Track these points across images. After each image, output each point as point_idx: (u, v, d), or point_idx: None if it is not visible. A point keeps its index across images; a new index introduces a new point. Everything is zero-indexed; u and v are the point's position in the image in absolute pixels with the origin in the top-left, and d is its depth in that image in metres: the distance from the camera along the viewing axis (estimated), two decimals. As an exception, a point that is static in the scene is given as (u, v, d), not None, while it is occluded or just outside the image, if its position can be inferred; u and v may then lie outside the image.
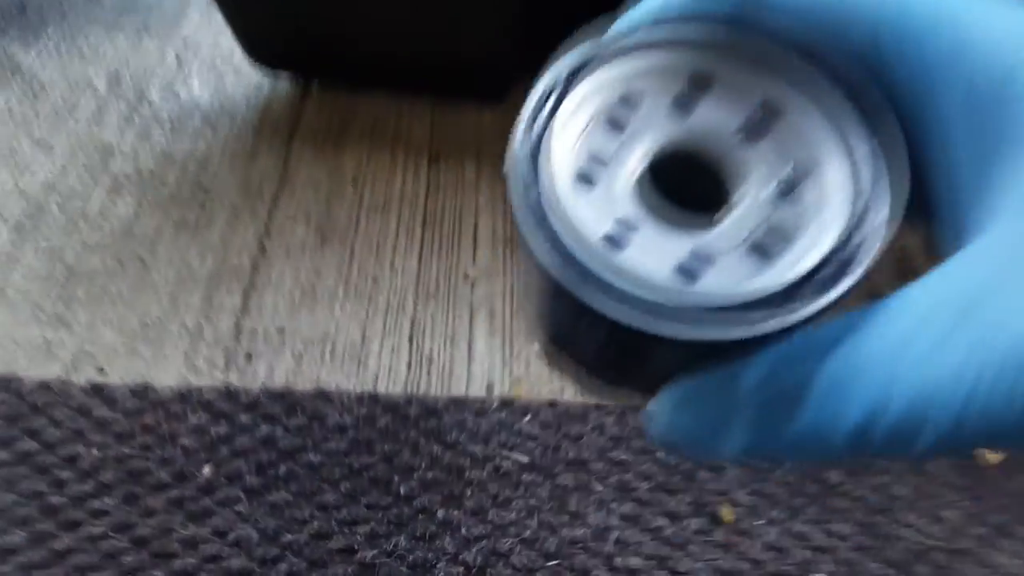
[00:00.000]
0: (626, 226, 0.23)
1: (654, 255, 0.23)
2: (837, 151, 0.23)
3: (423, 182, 0.72)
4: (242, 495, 0.53)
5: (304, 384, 0.57)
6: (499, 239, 0.68)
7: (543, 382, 0.58)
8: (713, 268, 0.22)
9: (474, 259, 0.66)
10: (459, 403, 0.56)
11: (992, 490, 0.56)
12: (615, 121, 0.24)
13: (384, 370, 0.58)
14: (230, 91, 0.78)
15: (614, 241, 0.23)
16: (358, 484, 0.54)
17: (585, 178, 0.24)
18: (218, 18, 0.83)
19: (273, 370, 0.58)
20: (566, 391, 0.58)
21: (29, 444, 0.55)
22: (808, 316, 0.20)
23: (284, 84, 0.79)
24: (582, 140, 0.24)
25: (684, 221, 0.23)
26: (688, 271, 0.22)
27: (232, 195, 0.69)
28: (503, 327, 0.62)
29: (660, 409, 0.21)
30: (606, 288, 0.21)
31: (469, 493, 0.54)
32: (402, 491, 0.54)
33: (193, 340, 0.59)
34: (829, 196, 0.23)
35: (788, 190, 0.23)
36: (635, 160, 0.23)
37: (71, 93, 0.77)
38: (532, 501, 0.54)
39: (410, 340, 0.60)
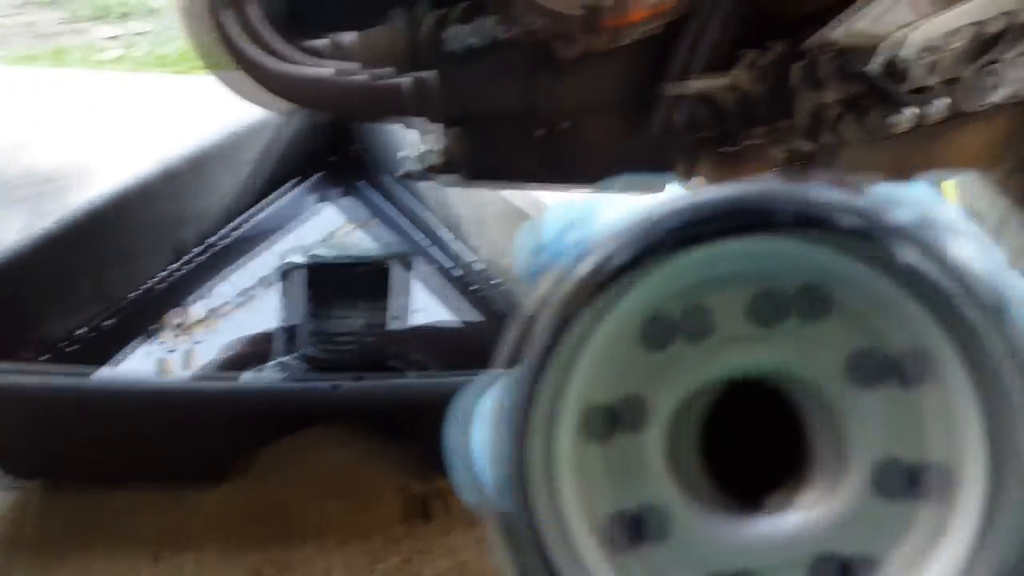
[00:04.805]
0: (650, 508, 0.19)
1: (680, 564, 0.19)
2: (982, 450, 0.18)
3: (147, 581, 0.83)
4: None
5: None
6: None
7: None
8: None
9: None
10: None
11: None
12: (654, 343, 0.20)
13: None
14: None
15: (630, 533, 0.19)
16: None
17: (601, 435, 0.20)
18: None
19: None
20: None
21: None
22: None
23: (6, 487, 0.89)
24: (601, 377, 0.20)
25: (736, 501, 0.20)
26: None
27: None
28: None
29: None
30: None
31: None
32: None
33: None
34: (954, 524, 0.19)
35: (897, 485, 0.19)
36: (683, 389, 0.20)
37: None
38: None
39: None
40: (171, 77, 2.26)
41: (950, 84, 0.90)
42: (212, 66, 0.90)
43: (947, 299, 0.18)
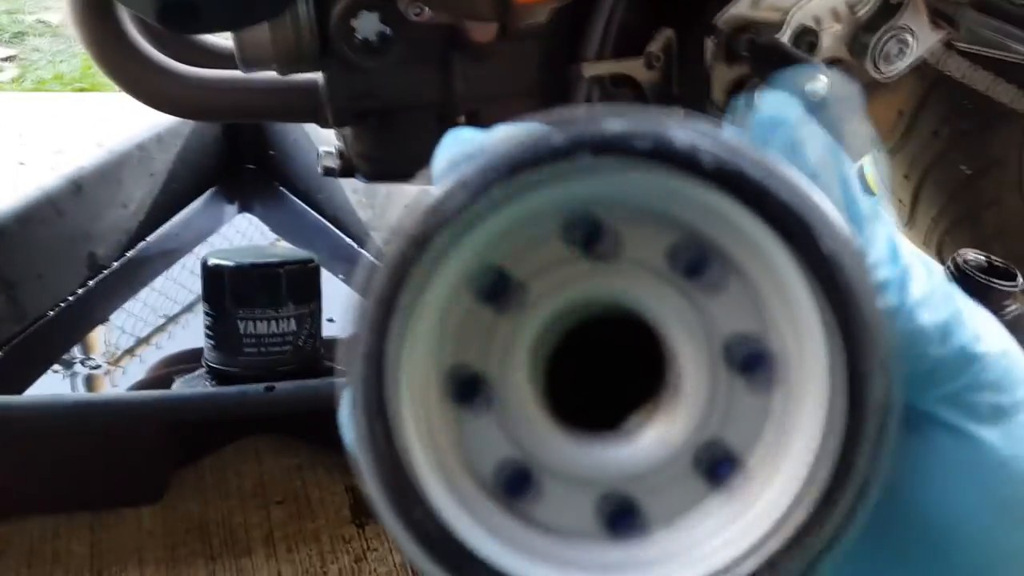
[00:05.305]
0: (527, 455, 0.20)
1: (570, 497, 0.20)
2: (822, 343, 0.19)
3: (86, 606, 0.80)
4: None
5: None
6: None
7: None
8: (651, 505, 0.20)
9: None
10: None
11: None
12: (491, 294, 0.21)
13: None
14: None
15: (513, 484, 0.20)
16: None
17: (461, 391, 0.20)
18: None
19: None
20: None
21: None
22: None
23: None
24: (448, 334, 0.20)
25: (606, 424, 0.21)
26: (617, 513, 0.20)
27: None
28: None
29: None
30: None
31: None
32: None
33: None
34: (800, 387, 0.20)
35: (745, 366, 0.20)
36: (530, 335, 0.21)
37: None
38: None
39: None
40: (71, 95, 2.20)
41: (859, 53, 0.93)
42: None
43: (763, 198, 0.19)
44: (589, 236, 0.21)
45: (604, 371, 0.22)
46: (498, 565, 0.19)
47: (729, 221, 0.20)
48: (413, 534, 0.19)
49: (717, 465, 0.20)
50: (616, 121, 0.19)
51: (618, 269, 0.21)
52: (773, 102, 0.24)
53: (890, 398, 0.19)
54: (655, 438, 0.21)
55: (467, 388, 0.20)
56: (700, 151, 0.19)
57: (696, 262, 0.20)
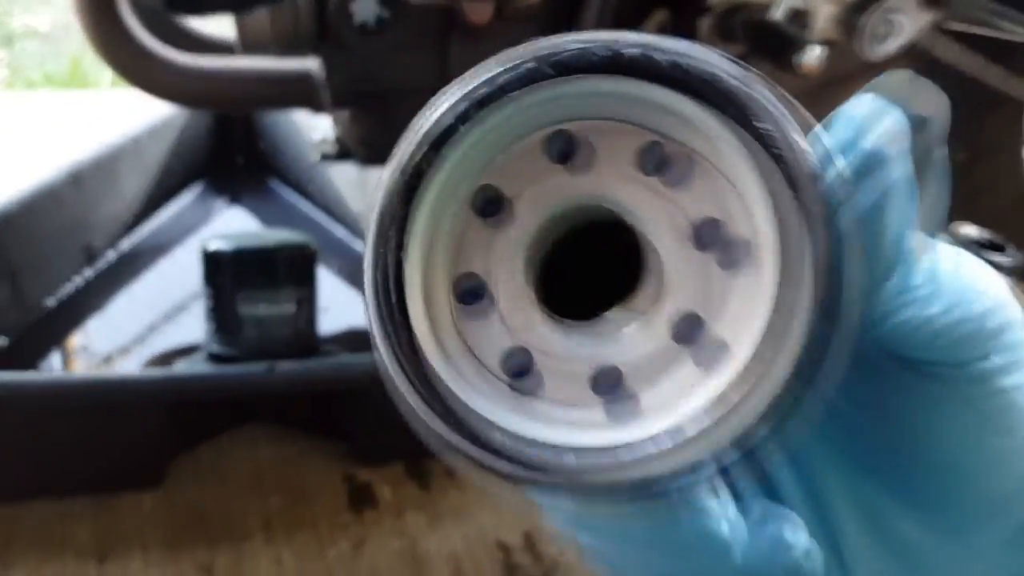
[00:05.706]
0: (527, 344, 0.23)
1: (566, 373, 0.23)
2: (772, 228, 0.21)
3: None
4: None
5: None
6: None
7: None
8: (636, 374, 0.23)
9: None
10: None
11: None
12: (487, 210, 0.23)
13: None
14: None
15: (516, 369, 0.23)
16: None
17: (469, 295, 0.23)
18: None
19: None
20: None
21: None
22: None
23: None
24: (453, 246, 0.23)
25: (601, 315, 0.23)
26: (606, 382, 0.23)
27: None
28: None
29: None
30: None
31: None
32: None
33: None
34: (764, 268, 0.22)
35: (713, 247, 0.22)
36: (525, 242, 0.23)
37: None
38: None
39: None
40: (60, 93, 2.20)
41: (851, 34, 0.94)
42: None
43: (717, 93, 0.21)
44: (567, 149, 0.23)
45: (594, 270, 0.25)
46: (508, 426, 0.22)
47: (686, 118, 0.22)
48: (436, 412, 0.22)
49: (692, 336, 0.23)
50: (575, 42, 0.22)
51: (595, 175, 0.23)
52: (865, 102, 0.24)
53: (845, 279, 0.21)
54: (638, 317, 0.23)
55: (472, 292, 0.23)
56: (653, 58, 0.21)
57: (663, 160, 0.23)
